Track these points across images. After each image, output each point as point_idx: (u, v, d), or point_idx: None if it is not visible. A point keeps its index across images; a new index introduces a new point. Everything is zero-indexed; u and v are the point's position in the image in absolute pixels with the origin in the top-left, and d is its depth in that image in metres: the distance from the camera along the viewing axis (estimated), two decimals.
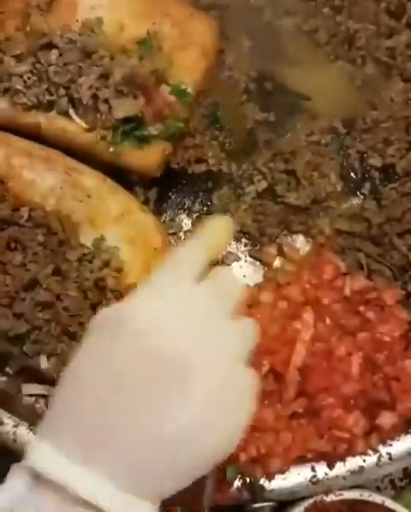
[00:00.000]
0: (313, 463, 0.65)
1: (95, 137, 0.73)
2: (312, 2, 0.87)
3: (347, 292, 0.70)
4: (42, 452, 0.42)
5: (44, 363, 0.67)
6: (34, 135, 0.74)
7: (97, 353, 0.44)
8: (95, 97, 0.71)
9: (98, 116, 0.72)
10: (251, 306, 0.72)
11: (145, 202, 0.79)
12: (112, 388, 0.42)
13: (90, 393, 0.42)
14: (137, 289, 0.46)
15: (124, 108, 0.70)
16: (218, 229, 0.52)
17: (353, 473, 0.65)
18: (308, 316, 0.69)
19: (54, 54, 0.74)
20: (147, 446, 0.41)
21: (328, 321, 0.69)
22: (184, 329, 0.44)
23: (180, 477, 0.43)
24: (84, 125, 0.73)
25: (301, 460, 0.65)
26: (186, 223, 0.80)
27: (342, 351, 0.66)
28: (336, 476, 0.65)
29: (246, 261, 0.78)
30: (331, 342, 0.67)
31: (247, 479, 0.65)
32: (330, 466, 0.65)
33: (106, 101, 0.71)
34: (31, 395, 0.71)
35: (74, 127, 0.73)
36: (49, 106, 0.73)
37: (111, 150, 0.73)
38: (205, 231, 0.51)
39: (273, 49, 0.87)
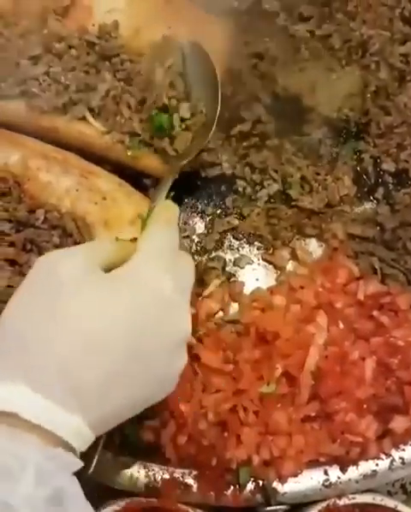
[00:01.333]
0: (326, 467, 0.66)
1: (112, 140, 0.74)
2: (326, 7, 0.88)
3: (360, 296, 0.70)
4: None
5: None
6: (51, 138, 0.75)
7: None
8: (116, 101, 0.72)
9: (118, 119, 0.72)
10: (264, 309, 0.73)
11: None
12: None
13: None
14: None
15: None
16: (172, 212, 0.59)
17: (365, 477, 0.65)
18: (322, 320, 0.69)
19: (71, 57, 0.75)
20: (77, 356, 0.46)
21: (341, 325, 0.69)
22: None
23: (113, 397, 0.47)
24: (101, 128, 0.74)
25: (314, 463, 0.66)
26: (199, 226, 0.81)
27: (355, 355, 0.67)
28: (349, 480, 0.65)
29: (259, 264, 0.78)
30: (345, 347, 0.67)
31: (260, 482, 0.65)
32: (343, 470, 0.66)
33: (129, 106, 0.71)
34: None
35: (91, 130, 0.74)
36: (66, 109, 0.74)
37: (129, 153, 0.73)
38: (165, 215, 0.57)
39: (286, 53, 0.88)
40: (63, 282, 0.48)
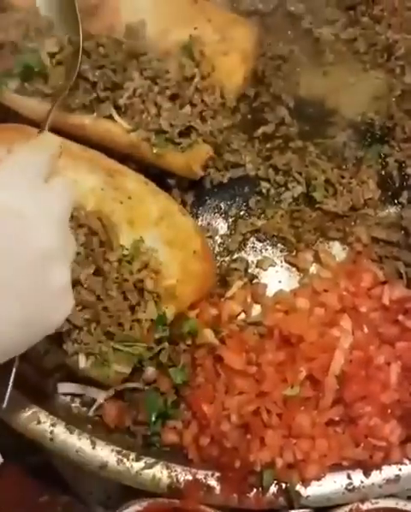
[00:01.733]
0: (349, 471, 0.66)
1: (137, 138, 0.74)
2: (352, 11, 0.88)
3: (385, 301, 0.70)
4: None
5: (82, 362, 0.67)
6: (78, 135, 0.74)
7: None
8: (142, 99, 0.71)
9: (144, 116, 0.72)
10: (287, 311, 0.72)
11: (182, 205, 0.79)
12: None
13: None
14: None
15: (181, 117, 0.72)
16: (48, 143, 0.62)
17: (388, 481, 0.65)
18: (346, 323, 0.69)
19: (100, 55, 0.75)
20: None
21: (366, 329, 0.69)
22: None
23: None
24: (127, 126, 0.74)
25: (337, 467, 0.66)
26: (222, 226, 0.80)
27: (380, 360, 0.66)
28: (372, 484, 0.65)
29: (282, 267, 0.78)
30: (370, 351, 0.67)
31: (283, 485, 0.65)
32: (367, 474, 0.65)
33: (155, 104, 0.71)
34: (66, 395, 0.72)
35: (117, 128, 0.74)
36: (93, 108, 0.74)
37: (155, 151, 0.73)
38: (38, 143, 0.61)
39: (311, 56, 0.88)
40: None
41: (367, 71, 0.86)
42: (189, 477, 0.65)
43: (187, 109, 0.74)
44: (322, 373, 0.66)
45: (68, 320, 0.67)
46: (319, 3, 0.88)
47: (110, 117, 0.74)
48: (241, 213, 0.80)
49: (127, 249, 0.71)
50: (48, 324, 0.52)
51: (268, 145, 0.82)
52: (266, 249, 0.79)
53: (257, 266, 0.78)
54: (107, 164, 0.74)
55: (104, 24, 0.78)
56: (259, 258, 0.78)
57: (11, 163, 0.55)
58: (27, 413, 0.67)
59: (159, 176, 0.77)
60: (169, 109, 0.72)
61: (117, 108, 0.74)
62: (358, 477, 0.65)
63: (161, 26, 0.79)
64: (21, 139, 0.73)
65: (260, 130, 0.83)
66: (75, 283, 0.68)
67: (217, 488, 0.65)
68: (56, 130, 0.74)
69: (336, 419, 0.66)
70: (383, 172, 0.80)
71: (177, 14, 0.80)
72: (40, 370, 0.72)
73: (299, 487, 0.65)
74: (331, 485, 0.65)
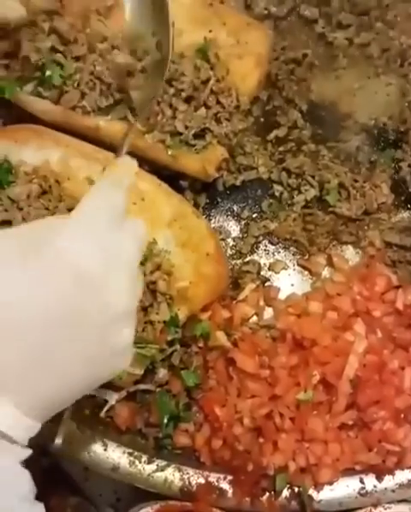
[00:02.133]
0: (362, 475, 0.65)
1: (152, 140, 0.74)
2: (366, 16, 0.88)
3: (399, 305, 0.70)
4: None
5: None
6: (92, 137, 0.74)
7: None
8: (157, 101, 0.72)
9: (159, 118, 0.72)
10: (300, 315, 0.72)
11: (195, 207, 0.79)
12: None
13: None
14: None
15: (196, 119, 0.72)
16: (126, 171, 0.55)
17: (401, 486, 0.65)
18: (360, 328, 0.69)
19: (114, 57, 0.75)
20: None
21: (379, 334, 0.69)
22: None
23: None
24: (142, 128, 0.74)
25: (350, 471, 0.65)
26: (234, 229, 0.80)
27: (394, 364, 0.66)
28: (385, 489, 0.65)
29: (294, 270, 0.78)
30: (384, 355, 0.67)
31: (296, 489, 0.65)
32: (379, 478, 0.65)
33: (170, 106, 0.71)
34: None
35: (131, 129, 0.74)
36: (107, 109, 0.74)
37: (169, 153, 0.73)
38: (116, 175, 0.54)
39: (324, 60, 0.88)
40: None
41: (380, 76, 0.87)
42: (201, 480, 0.65)
43: (202, 111, 0.73)
44: (335, 377, 0.66)
45: None
46: (333, 8, 0.88)
47: (125, 119, 0.74)
48: (254, 216, 0.80)
49: None
50: (105, 376, 0.52)
51: (281, 149, 0.83)
52: (279, 252, 0.79)
53: (269, 269, 0.78)
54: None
55: (119, 26, 0.78)
56: (272, 261, 0.78)
57: (87, 209, 0.50)
58: None
59: (172, 178, 0.77)
60: (185, 111, 0.72)
61: (132, 110, 0.74)
62: (371, 481, 0.65)
63: (176, 28, 0.79)
64: (36, 139, 0.74)
65: (273, 133, 0.83)
66: None
67: (230, 491, 0.64)
68: (69, 131, 0.75)
69: (350, 423, 0.66)
70: (396, 176, 0.80)
71: (192, 16, 0.80)
72: None
73: (311, 491, 0.64)
74: (344, 489, 0.65)
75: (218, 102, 0.75)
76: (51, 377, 0.46)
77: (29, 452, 0.45)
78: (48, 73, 0.74)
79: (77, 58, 0.75)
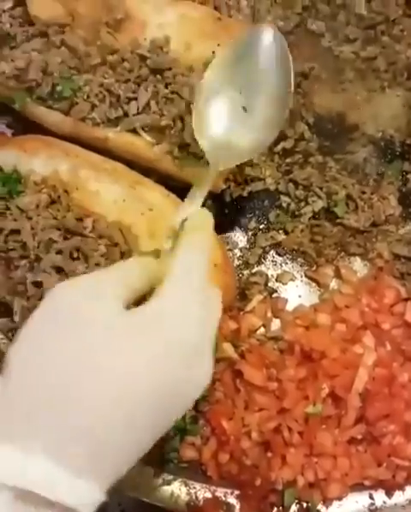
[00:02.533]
0: (371, 491, 0.64)
1: (161, 151, 0.74)
2: (372, 30, 0.89)
3: (408, 318, 0.69)
4: None
5: None
6: (101, 148, 0.75)
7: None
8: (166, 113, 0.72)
9: (168, 131, 0.72)
10: (308, 327, 0.72)
11: None
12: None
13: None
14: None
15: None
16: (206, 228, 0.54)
17: None
18: (369, 340, 0.68)
19: (124, 69, 0.76)
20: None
21: (388, 346, 0.68)
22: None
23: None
24: (151, 140, 0.74)
25: (359, 487, 0.64)
26: (241, 239, 0.80)
27: (404, 378, 0.66)
28: (395, 505, 0.64)
29: (302, 281, 0.77)
30: (393, 368, 0.66)
31: (304, 504, 0.63)
32: (389, 494, 0.64)
33: (180, 118, 0.71)
34: None
35: (140, 141, 0.74)
36: (116, 121, 0.75)
37: (178, 164, 0.73)
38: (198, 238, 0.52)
39: (331, 74, 0.88)
40: (93, 332, 0.42)
41: (387, 89, 0.87)
42: (208, 494, 0.64)
43: None
44: (344, 391, 0.65)
45: None
46: (340, 22, 0.89)
47: (134, 130, 0.75)
48: (261, 227, 0.80)
49: None
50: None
51: (288, 160, 0.83)
52: (286, 263, 0.78)
53: (277, 280, 0.77)
54: (129, 176, 0.74)
55: (128, 38, 0.79)
56: (279, 272, 0.78)
57: (178, 269, 0.48)
58: None
59: (180, 189, 0.77)
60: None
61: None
62: (380, 497, 0.64)
63: (185, 41, 0.80)
64: (45, 149, 0.74)
65: (280, 145, 0.84)
66: None
67: (237, 506, 0.63)
68: (78, 142, 0.75)
69: (359, 437, 0.65)
70: (403, 189, 0.80)
71: (201, 30, 0.81)
72: None
73: (320, 507, 0.63)
74: (353, 505, 0.64)
75: None
76: (136, 451, 0.43)
77: None
78: (58, 85, 0.75)
79: (87, 70, 0.76)
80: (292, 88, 0.64)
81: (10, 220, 0.70)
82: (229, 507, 0.63)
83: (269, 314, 0.74)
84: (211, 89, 0.63)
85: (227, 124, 0.63)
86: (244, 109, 0.63)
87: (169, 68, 0.76)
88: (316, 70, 0.88)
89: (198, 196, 0.58)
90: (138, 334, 0.43)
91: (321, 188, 0.80)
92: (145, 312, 0.45)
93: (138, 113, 0.73)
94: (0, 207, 0.71)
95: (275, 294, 0.76)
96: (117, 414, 0.41)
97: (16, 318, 0.69)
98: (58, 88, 0.74)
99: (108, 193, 0.72)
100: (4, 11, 0.82)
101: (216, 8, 0.85)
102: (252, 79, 0.64)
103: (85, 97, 0.74)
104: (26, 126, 0.80)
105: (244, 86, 0.63)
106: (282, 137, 0.84)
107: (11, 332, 0.74)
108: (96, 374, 0.41)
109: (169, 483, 0.64)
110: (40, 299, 0.63)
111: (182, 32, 0.80)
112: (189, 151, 0.74)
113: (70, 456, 0.40)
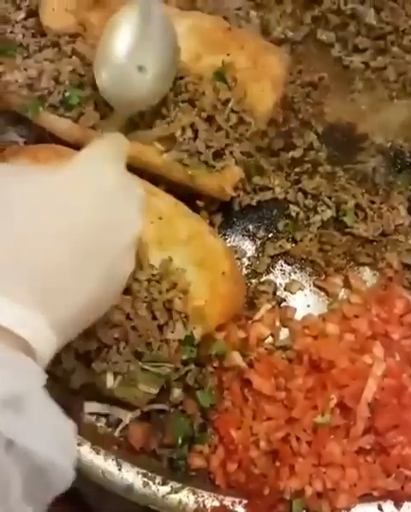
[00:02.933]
0: (380, 502, 0.64)
1: (170, 159, 0.74)
2: (382, 40, 0.89)
3: None
4: None
5: (110, 381, 0.67)
6: None
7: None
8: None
9: (178, 139, 0.73)
10: (317, 336, 0.72)
11: (210, 226, 0.79)
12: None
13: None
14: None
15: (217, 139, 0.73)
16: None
17: None
18: (378, 350, 0.68)
19: None
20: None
21: (398, 357, 0.68)
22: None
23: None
24: (160, 147, 0.75)
25: (368, 497, 0.64)
26: (250, 248, 0.80)
27: None
28: None
29: (310, 290, 0.78)
30: (403, 379, 0.66)
31: None
32: (398, 505, 0.64)
33: (191, 126, 0.72)
34: (92, 414, 0.71)
35: (150, 149, 0.75)
36: (126, 129, 0.75)
37: (189, 173, 0.74)
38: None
39: (340, 84, 0.89)
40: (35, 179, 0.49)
41: (396, 99, 0.88)
42: (216, 503, 0.64)
43: (222, 131, 0.74)
44: (353, 401, 0.65)
45: (96, 338, 0.68)
46: (349, 32, 0.90)
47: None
48: (270, 236, 0.81)
49: (156, 269, 0.72)
50: (121, 278, 0.54)
51: (297, 169, 0.83)
52: (295, 272, 0.78)
53: (285, 289, 0.78)
54: (139, 184, 0.74)
55: None
56: (288, 281, 0.78)
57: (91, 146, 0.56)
58: None
59: (188, 198, 0.78)
60: (206, 130, 0.73)
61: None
62: (389, 508, 0.64)
63: (195, 51, 0.81)
64: (57, 158, 0.75)
65: (289, 155, 0.84)
66: None
67: None
68: None
69: (367, 447, 0.65)
70: None
71: (211, 40, 0.82)
72: (66, 389, 0.71)
73: None
74: None
75: (237, 122, 0.76)
76: (81, 290, 0.47)
77: (45, 377, 0.42)
78: (67, 94, 0.76)
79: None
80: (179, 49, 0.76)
81: None
82: None
83: (277, 323, 0.74)
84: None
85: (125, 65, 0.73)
86: (139, 68, 0.72)
87: (181, 77, 0.77)
88: (326, 80, 0.89)
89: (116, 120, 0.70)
90: (77, 178, 0.51)
91: (330, 198, 0.80)
92: (60, 171, 0.51)
93: (148, 122, 0.74)
94: None
95: (283, 304, 0.76)
96: (59, 250, 0.46)
97: None
98: (67, 94, 0.75)
99: None
100: (17, 22, 0.84)
101: (225, 18, 0.85)
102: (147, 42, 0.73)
103: (93, 106, 0.75)
104: (38, 135, 0.81)
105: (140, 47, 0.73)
106: (291, 146, 0.85)
107: None
108: (37, 212, 0.47)
109: (177, 491, 0.64)
110: None
111: (192, 42, 0.81)
112: (199, 159, 0.74)
113: (14, 288, 0.43)
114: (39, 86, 0.76)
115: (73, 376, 0.70)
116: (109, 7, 0.81)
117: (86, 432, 0.68)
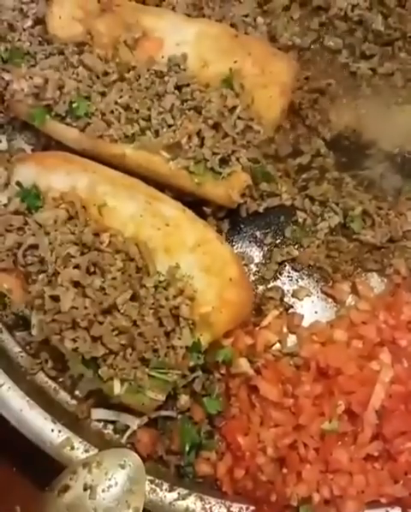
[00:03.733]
0: (388, 508, 0.64)
1: (176, 166, 0.75)
2: (389, 47, 0.89)
3: None
4: None
5: (117, 388, 0.67)
6: (118, 164, 0.76)
7: None
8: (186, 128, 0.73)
9: (186, 147, 0.73)
10: (324, 343, 0.72)
11: (218, 233, 0.79)
12: None
13: None
14: None
15: (223, 146, 0.73)
16: None
17: None
18: (386, 357, 0.68)
19: (141, 86, 0.77)
20: None
21: (406, 363, 0.68)
22: None
23: None
24: (167, 155, 0.75)
25: (376, 504, 0.64)
26: (257, 254, 0.81)
27: None
28: None
29: (318, 297, 0.77)
30: (410, 386, 0.66)
31: None
32: None
33: (197, 133, 0.72)
34: (99, 421, 0.71)
35: (157, 157, 0.75)
36: (133, 137, 0.76)
37: (196, 181, 0.74)
38: None
39: (347, 90, 0.89)
40: None
41: (403, 105, 0.87)
42: (223, 510, 0.64)
43: (229, 137, 0.75)
44: (361, 407, 0.65)
45: (103, 344, 0.68)
46: (357, 39, 0.89)
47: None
48: (277, 242, 0.81)
49: (163, 275, 0.72)
50: None
51: (304, 176, 0.83)
52: (302, 279, 0.78)
53: (293, 296, 0.78)
54: (146, 191, 0.75)
55: (146, 56, 0.80)
56: (295, 287, 0.78)
57: None
58: (61, 438, 0.66)
59: (195, 204, 0.78)
60: (213, 137, 0.73)
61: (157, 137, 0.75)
62: None
63: (202, 59, 0.81)
64: (64, 165, 0.75)
65: (296, 161, 0.84)
66: (112, 308, 0.69)
67: None
68: (96, 158, 0.76)
69: (375, 454, 0.65)
70: None
71: (218, 47, 0.82)
72: (74, 395, 0.72)
73: None
74: None
75: (244, 129, 0.76)
76: None
77: None
78: (74, 104, 0.76)
79: (105, 87, 0.77)
80: None
81: (29, 235, 0.71)
82: None
83: (285, 330, 0.74)
84: None
85: None
86: None
87: (187, 85, 0.77)
88: (333, 86, 0.88)
89: None
90: None
91: (337, 204, 0.80)
92: None
93: (154, 130, 0.75)
94: (19, 222, 0.73)
95: (291, 310, 0.76)
96: None
97: (34, 332, 0.70)
98: (74, 105, 0.76)
99: (125, 209, 0.73)
100: (24, 30, 0.85)
101: (232, 25, 0.86)
102: None
103: (100, 115, 0.75)
104: (45, 142, 0.81)
105: None
106: (298, 153, 0.85)
107: (29, 345, 0.75)
108: None
109: (184, 497, 0.64)
110: (58, 313, 0.64)
111: (199, 49, 0.81)
112: (206, 166, 0.75)
113: None
114: (45, 96, 0.77)
115: (80, 383, 0.71)
116: (116, 15, 0.82)
117: (94, 438, 0.68)
